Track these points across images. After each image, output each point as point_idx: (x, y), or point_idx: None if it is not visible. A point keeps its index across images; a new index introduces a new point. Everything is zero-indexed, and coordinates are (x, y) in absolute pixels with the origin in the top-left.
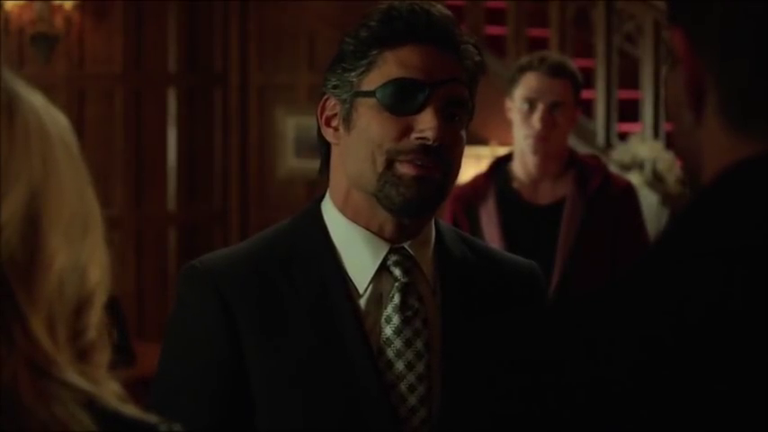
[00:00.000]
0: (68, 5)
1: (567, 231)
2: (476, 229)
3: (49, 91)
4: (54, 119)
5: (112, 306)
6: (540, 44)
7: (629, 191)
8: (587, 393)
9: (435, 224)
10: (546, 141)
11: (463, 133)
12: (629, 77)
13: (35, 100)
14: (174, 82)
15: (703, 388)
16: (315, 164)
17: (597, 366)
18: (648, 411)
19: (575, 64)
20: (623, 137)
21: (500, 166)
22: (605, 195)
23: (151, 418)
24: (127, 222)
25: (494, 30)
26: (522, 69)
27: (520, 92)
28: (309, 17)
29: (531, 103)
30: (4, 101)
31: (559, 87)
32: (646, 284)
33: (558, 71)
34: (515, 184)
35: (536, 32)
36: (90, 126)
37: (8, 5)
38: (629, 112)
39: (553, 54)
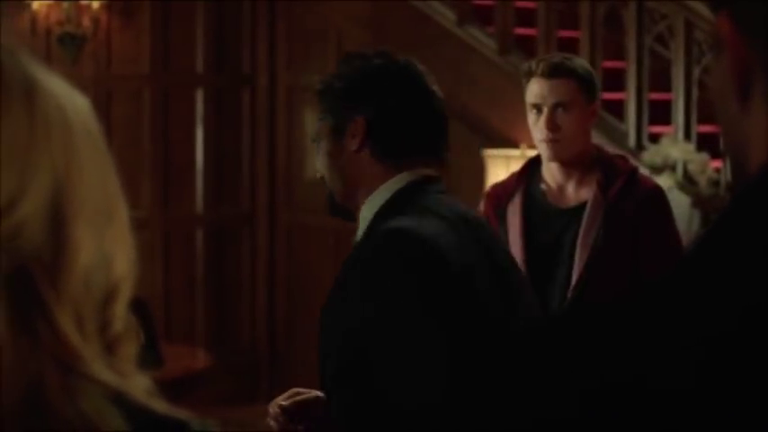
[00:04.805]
0: (96, 5)
1: (585, 235)
2: (503, 228)
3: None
4: (75, 104)
5: (140, 307)
6: (570, 45)
7: (654, 194)
8: (652, 402)
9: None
10: (556, 144)
11: None
12: (661, 79)
13: (55, 85)
14: (202, 82)
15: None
16: None
17: (654, 374)
18: (716, 415)
19: (579, 60)
20: (654, 138)
21: (533, 166)
22: (628, 198)
23: (182, 413)
24: (154, 223)
25: (524, 31)
26: (525, 75)
27: (527, 99)
28: (337, 17)
29: (538, 109)
30: (22, 88)
31: (561, 87)
32: (698, 283)
33: (555, 71)
34: (543, 186)
35: (566, 33)
36: (117, 127)
37: (35, 6)
38: (661, 113)
39: (556, 54)
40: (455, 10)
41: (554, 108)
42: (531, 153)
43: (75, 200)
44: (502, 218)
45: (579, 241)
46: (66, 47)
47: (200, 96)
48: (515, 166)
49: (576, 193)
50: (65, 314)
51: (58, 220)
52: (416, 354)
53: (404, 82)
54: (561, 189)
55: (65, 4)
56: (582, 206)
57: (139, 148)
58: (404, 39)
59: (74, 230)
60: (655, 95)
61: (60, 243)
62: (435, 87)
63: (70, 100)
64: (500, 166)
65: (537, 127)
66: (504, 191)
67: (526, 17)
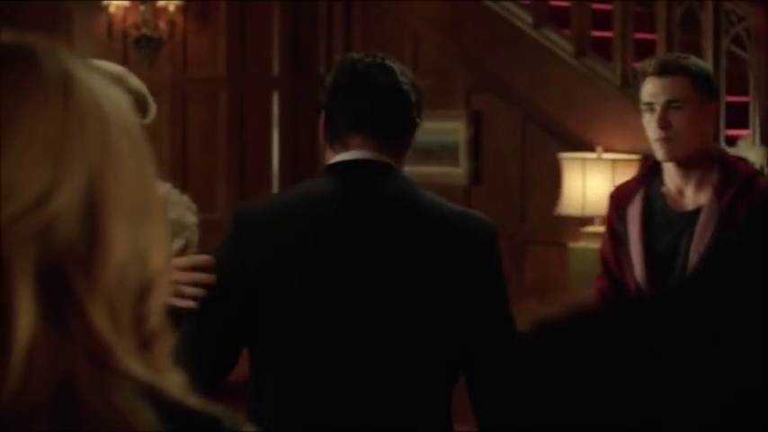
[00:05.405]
0: (172, 8)
1: (698, 242)
2: (624, 230)
3: (152, 95)
4: (113, 100)
5: None
6: (646, 47)
7: None
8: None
9: None
10: (668, 142)
11: None
12: (738, 81)
13: (93, 80)
14: (278, 85)
15: None
16: (418, 169)
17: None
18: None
19: (695, 59)
20: (731, 142)
21: (655, 168)
22: (742, 204)
23: (215, 409)
24: None
25: (600, 33)
26: (641, 76)
27: (641, 98)
28: (413, 19)
29: (651, 107)
30: (58, 82)
31: (672, 85)
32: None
33: (667, 69)
34: (664, 189)
35: (643, 35)
36: (193, 130)
37: (112, 8)
38: (738, 116)
39: (673, 53)
40: (531, 12)
41: (666, 106)
42: (607, 156)
43: (110, 194)
44: (622, 220)
45: (692, 248)
46: (142, 50)
47: (276, 99)
48: (591, 169)
49: (695, 196)
50: (98, 309)
51: (92, 214)
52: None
53: (341, 77)
54: (680, 192)
55: (141, 7)
56: (699, 211)
57: (215, 151)
58: (480, 41)
59: (109, 225)
60: (732, 98)
61: (95, 237)
62: (385, 78)
63: (109, 96)
64: (576, 170)
65: (650, 126)
66: (625, 192)
67: (602, 19)
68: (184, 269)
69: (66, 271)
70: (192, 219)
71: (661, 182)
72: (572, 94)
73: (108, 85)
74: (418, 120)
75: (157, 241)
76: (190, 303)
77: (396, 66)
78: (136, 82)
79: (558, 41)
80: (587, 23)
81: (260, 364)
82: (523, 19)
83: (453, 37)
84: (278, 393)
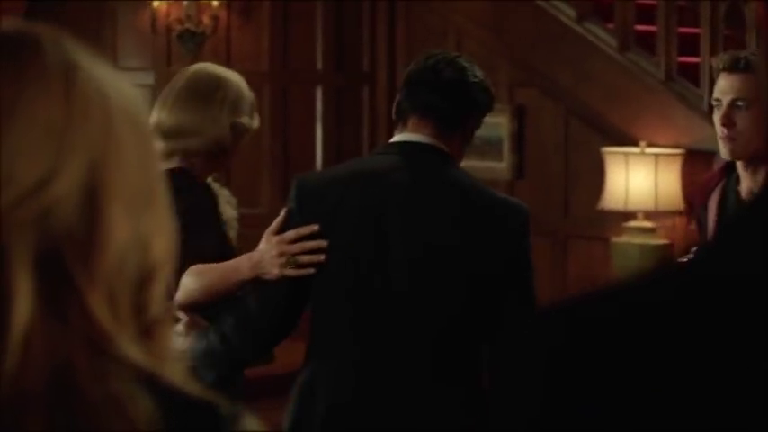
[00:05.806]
0: (215, 3)
1: None
2: (704, 223)
3: None
4: (119, 90)
5: None
6: (691, 42)
7: None
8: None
9: None
10: (731, 141)
11: None
12: None
13: (98, 70)
14: (321, 81)
15: None
16: (462, 163)
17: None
18: None
19: None
20: None
21: (733, 163)
22: None
23: (214, 397)
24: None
25: (644, 27)
26: (716, 71)
27: (713, 94)
28: (457, 16)
29: (719, 104)
30: (61, 70)
31: (738, 83)
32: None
33: (736, 66)
34: (739, 186)
35: (687, 30)
36: None
37: (156, 4)
38: None
39: (746, 51)
40: (575, 6)
41: (732, 104)
42: (650, 151)
43: (111, 182)
44: (704, 213)
45: None
46: (185, 44)
47: (319, 95)
48: (634, 163)
49: None
50: (97, 295)
51: (92, 201)
52: None
53: (414, 68)
54: (750, 193)
55: (185, 3)
56: None
57: (259, 146)
58: (523, 36)
59: (108, 212)
60: None
61: (94, 224)
62: (450, 73)
63: (115, 86)
64: (619, 164)
65: (717, 123)
66: (706, 186)
67: (646, 13)
68: (292, 241)
69: (65, 257)
70: (231, 213)
71: (736, 177)
72: (615, 89)
73: (115, 76)
74: (478, 114)
75: (160, 231)
76: (309, 270)
77: (468, 65)
78: (248, 90)
79: (602, 36)
80: (631, 18)
81: (314, 328)
82: (567, 13)
83: (497, 32)
84: (330, 356)
